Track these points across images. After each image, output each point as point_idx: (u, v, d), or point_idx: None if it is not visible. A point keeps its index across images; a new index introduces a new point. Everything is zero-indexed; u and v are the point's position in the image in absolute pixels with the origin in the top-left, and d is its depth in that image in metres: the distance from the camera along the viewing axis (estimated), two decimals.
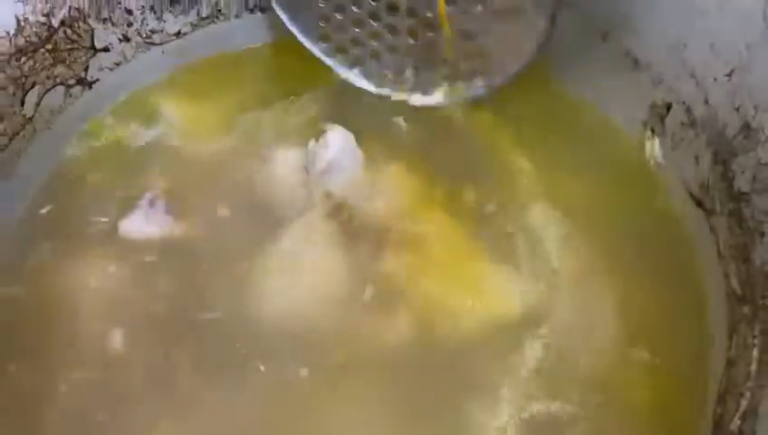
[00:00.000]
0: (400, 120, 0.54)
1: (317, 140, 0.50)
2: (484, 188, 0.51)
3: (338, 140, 0.50)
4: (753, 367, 0.36)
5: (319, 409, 0.42)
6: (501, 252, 0.47)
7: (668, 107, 0.48)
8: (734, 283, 0.42)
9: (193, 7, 0.55)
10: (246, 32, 0.58)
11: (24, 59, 0.46)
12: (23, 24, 0.46)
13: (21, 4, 0.45)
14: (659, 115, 0.50)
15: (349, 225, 0.48)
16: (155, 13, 0.54)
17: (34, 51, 0.47)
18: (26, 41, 0.46)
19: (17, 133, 0.48)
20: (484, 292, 0.46)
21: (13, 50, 0.46)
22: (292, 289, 0.46)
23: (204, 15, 0.56)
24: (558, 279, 0.46)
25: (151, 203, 0.48)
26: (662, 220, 0.50)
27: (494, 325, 0.44)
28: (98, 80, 0.53)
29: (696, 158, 0.46)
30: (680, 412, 0.40)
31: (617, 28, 0.50)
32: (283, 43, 0.57)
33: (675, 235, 0.49)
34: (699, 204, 0.46)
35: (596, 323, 0.44)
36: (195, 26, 0.56)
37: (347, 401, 0.42)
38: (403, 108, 0.55)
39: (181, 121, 0.55)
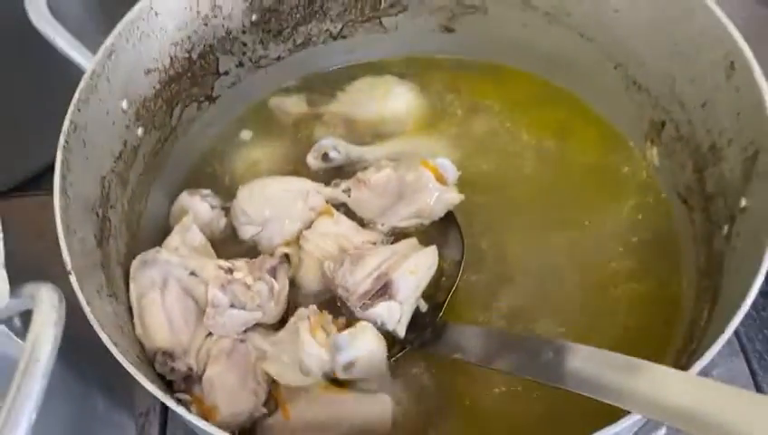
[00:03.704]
0: None
1: None
2: None
3: None
4: (702, 323, 0.50)
5: None
6: None
7: (663, 124, 0.62)
8: (702, 261, 0.56)
9: (291, 37, 0.71)
10: (330, 55, 0.73)
11: (173, 84, 0.63)
12: (174, 60, 0.62)
13: (174, 46, 0.61)
14: (657, 130, 0.63)
15: None
16: (263, 43, 0.69)
17: (180, 78, 0.63)
18: (175, 72, 0.62)
19: (167, 139, 0.64)
20: None
21: (167, 79, 0.62)
22: None
23: (298, 43, 0.71)
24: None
25: None
26: (656, 211, 0.64)
27: None
28: (220, 96, 0.69)
29: (682, 165, 0.60)
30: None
31: (626, 61, 0.64)
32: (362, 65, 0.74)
33: (666, 223, 0.62)
34: (684, 202, 0.60)
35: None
36: (291, 51, 0.72)
37: None
38: None
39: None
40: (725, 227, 0.52)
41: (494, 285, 0.60)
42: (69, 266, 0.44)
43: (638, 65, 0.62)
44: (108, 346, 0.41)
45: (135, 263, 0.55)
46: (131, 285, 0.54)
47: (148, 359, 0.52)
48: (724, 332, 0.40)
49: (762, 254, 0.42)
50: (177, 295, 0.53)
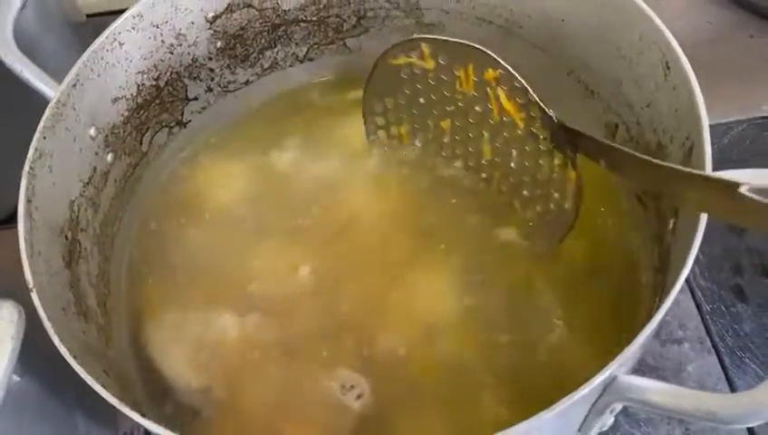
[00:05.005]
0: None
1: None
2: None
3: None
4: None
5: None
6: None
7: (616, 126, 0.64)
8: (655, 259, 0.57)
9: (258, 62, 0.73)
10: (297, 77, 0.76)
11: (142, 112, 0.65)
12: (141, 88, 0.64)
13: (141, 74, 0.64)
14: (612, 132, 0.65)
15: None
16: (230, 69, 0.72)
17: (148, 105, 0.66)
18: (143, 99, 0.65)
19: (138, 164, 0.67)
20: None
21: (135, 106, 0.64)
22: None
23: (266, 67, 0.74)
24: None
25: None
26: (616, 211, 0.65)
27: None
28: (190, 121, 0.71)
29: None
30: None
31: (577, 68, 0.66)
32: (327, 83, 0.76)
33: (626, 223, 0.64)
34: (640, 200, 0.62)
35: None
36: (259, 75, 0.74)
37: None
38: None
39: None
40: (672, 222, 0.53)
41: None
42: (30, 284, 0.46)
43: (587, 71, 0.64)
44: (67, 359, 0.43)
45: None
46: None
47: None
48: (649, 322, 0.41)
49: (690, 244, 0.43)
50: None
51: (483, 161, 0.65)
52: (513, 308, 0.60)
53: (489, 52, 0.57)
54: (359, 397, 0.56)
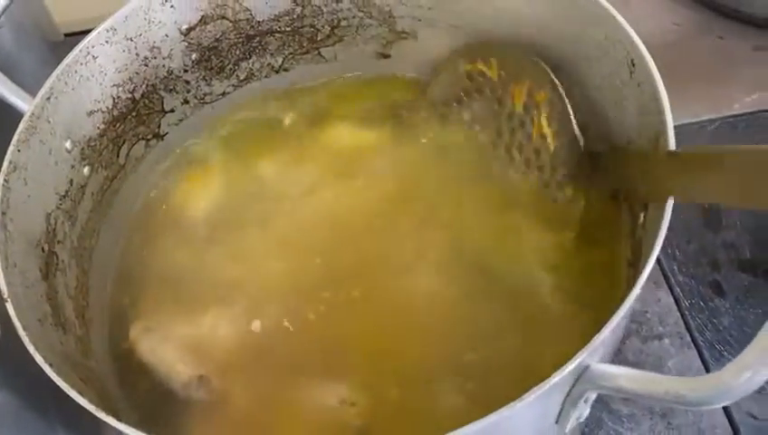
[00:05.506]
0: None
1: None
2: None
3: None
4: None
5: None
6: None
7: (587, 125, 0.64)
8: (629, 252, 0.58)
9: (233, 73, 0.74)
10: (274, 87, 0.76)
11: (118, 124, 0.65)
12: (116, 101, 0.65)
13: (116, 87, 0.64)
14: (582, 132, 0.66)
15: None
16: (206, 81, 0.72)
17: (124, 118, 0.66)
18: (119, 112, 0.65)
19: (115, 177, 0.67)
20: None
21: (111, 119, 0.64)
22: None
23: (242, 78, 0.75)
24: None
25: None
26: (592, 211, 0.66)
27: None
28: (167, 133, 0.72)
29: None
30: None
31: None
32: (304, 92, 0.77)
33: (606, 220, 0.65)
34: (614, 199, 0.62)
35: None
36: (235, 87, 0.75)
37: None
38: None
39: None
40: (642, 216, 0.54)
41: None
42: (5, 295, 0.46)
43: (557, 72, 0.65)
44: (42, 367, 0.43)
45: None
46: None
47: None
48: (619, 308, 0.42)
49: (657, 231, 0.44)
50: None
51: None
52: (511, 315, 0.60)
53: (549, 71, 0.61)
54: (358, 414, 0.55)
